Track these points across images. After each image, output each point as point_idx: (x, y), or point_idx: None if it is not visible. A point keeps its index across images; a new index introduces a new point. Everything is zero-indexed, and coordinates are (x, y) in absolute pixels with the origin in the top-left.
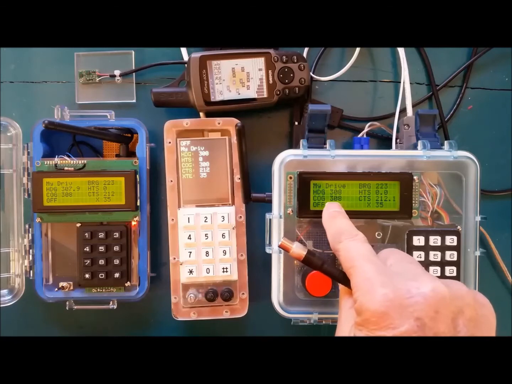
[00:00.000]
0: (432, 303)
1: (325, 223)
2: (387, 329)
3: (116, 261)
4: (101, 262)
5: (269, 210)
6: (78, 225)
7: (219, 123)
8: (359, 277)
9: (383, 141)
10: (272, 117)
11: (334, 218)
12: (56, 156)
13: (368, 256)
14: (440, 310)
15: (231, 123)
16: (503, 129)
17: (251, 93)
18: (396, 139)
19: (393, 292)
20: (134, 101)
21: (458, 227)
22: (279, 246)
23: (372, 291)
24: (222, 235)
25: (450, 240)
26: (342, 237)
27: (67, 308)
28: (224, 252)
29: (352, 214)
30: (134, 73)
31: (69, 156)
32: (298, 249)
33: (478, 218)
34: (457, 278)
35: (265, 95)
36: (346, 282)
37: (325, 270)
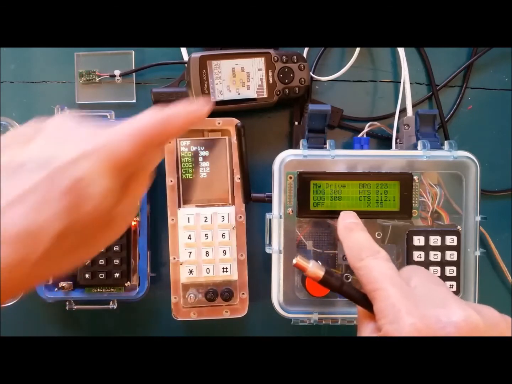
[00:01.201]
0: (465, 333)
1: (341, 236)
2: None
3: (116, 261)
4: (101, 262)
5: (269, 210)
6: None
7: (219, 123)
8: (384, 303)
9: (383, 141)
10: (272, 117)
11: (352, 231)
12: None
13: (392, 278)
14: None
15: (231, 123)
16: (503, 129)
17: (251, 93)
18: (396, 139)
19: (422, 321)
20: (134, 101)
21: (458, 227)
22: (294, 265)
23: (399, 320)
24: (222, 235)
25: (450, 240)
26: (362, 254)
27: (67, 308)
28: (224, 252)
29: None
30: (134, 73)
31: None
32: (315, 269)
33: (478, 218)
34: (457, 278)
35: (265, 95)
36: (368, 305)
37: (344, 292)
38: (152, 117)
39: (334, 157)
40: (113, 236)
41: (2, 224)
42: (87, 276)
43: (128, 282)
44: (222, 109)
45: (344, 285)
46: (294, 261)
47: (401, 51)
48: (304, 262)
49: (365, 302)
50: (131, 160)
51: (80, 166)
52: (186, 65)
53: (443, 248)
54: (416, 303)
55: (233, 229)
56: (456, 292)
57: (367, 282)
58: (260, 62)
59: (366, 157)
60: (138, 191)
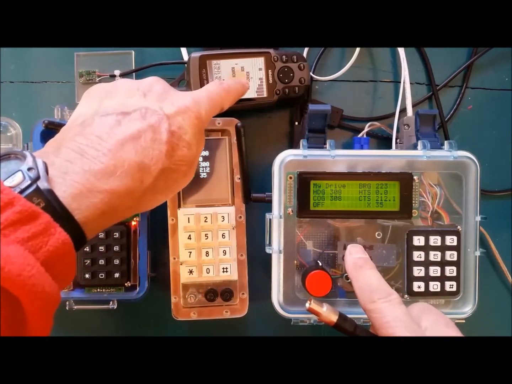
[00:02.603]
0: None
1: (350, 273)
2: None
3: (116, 261)
4: (101, 262)
5: (269, 210)
6: None
7: (219, 123)
8: None
9: (383, 141)
10: (272, 117)
11: (362, 269)
12: None
13: (406, 323)
14: None
15: (231, 123)
16: (503, 129)
17: (251, 93)
18: (396, 139)
19: None
20: None
21: (458, 227)
22: (308, 310)
23: None
24: (222, 235)
25: (450, 240)
26: (374, 296)
27: (67, 308)
28: (224, 252)
29: (352, 214)
30: (134, 73)
31: None
32: (329, 313)
33: (478, 218)
34: (457, 278)
35: (265, 95)
36: None
37: (358, 335)
38: (217, 87)
39: (334, 157)
40: (186, 183)
41: (118, 157)
42: (87, 276)
43: (128, 282)
44: None
45: (358, 329)
46: (307, 305)
47: (401, 51)
48: (318, 307)
49: None
50: (207, 120)
51: (176, 120)
52: (186, 65)
53: (443, 248)
54: None
55: (233, 229)
56: (456, 292)
57: (380, 327)
58: (260, 61)
59: (366, 157)
60: (202, 146)
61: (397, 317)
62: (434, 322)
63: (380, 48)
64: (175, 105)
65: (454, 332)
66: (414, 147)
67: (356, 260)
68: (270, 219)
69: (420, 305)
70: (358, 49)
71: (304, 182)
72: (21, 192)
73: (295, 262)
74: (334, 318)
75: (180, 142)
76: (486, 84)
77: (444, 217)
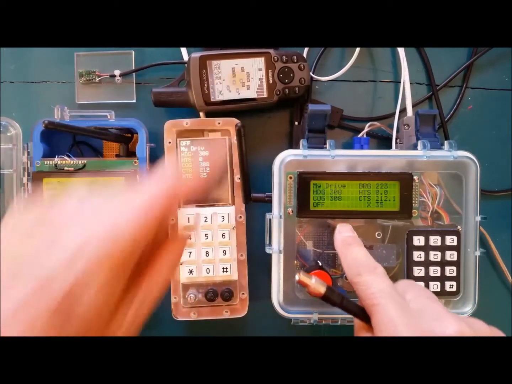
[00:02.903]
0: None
1: (339, 250)
2: None
3: None
4: None
5: (269, 210)
6: None
7: (219, 123)
8: (382, 317)
9: (383, 141)
10: (272, 117)
11: (350, 246)
12: (56, 156)
13: (390, 294)
14: None
15: (231, 123)
16: (503, 129)
17: (251, 93)
18: (396, 139)
19: (419, 334)
20: (134, 101)
21: (458, 227)
22: (298, 282)
23: (397, 333)
24: (222, 235)
25: (450, 240)
26: (360, 270)
27: None
28: (224, 252)
29: (352, 214)
30: (134, 73)
31: (69, 156)
32: (318, 285)
33: (478, 218)
34: (457, 278)
35: (265, 95)
36: (366, 318)
37: (345, 306)
38: (158, 190)
39: (334, 157)
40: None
41: None
42: None
43: None
44: (222, 109)
45: (344, 300)
46: (297, 277)
47: (401, 51)
48: (307, 279)
49: (363, 315)
50: (138, 247)
51: (75, 268)
52: (186, 65)
53: (443, 248)
54: (412, 317)
55: (233, 229)
56: (456, 292)
57: (365, 298)
58: (260, 62)
59: (366, 157)
60: (146, 294)
61: (382, 289)
62: (417, 295)
63: (380, 48)
64: (77, 240)
65: (435, 303)
66: (414, 147)
67: (345, 238)
68: (270, 219)
69: (406, 281)
70: (358, 49)
71: (304, 182)
72: None
73: (295, 262)
74: (322, 289)
75: (78, 307)
76: (486, 84)
77: (444, 217)
